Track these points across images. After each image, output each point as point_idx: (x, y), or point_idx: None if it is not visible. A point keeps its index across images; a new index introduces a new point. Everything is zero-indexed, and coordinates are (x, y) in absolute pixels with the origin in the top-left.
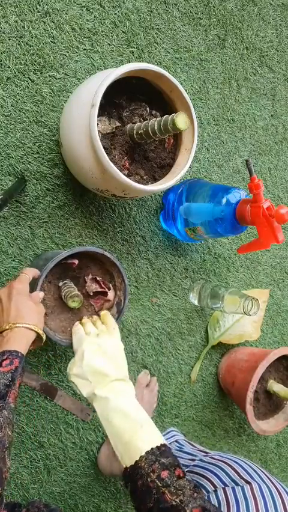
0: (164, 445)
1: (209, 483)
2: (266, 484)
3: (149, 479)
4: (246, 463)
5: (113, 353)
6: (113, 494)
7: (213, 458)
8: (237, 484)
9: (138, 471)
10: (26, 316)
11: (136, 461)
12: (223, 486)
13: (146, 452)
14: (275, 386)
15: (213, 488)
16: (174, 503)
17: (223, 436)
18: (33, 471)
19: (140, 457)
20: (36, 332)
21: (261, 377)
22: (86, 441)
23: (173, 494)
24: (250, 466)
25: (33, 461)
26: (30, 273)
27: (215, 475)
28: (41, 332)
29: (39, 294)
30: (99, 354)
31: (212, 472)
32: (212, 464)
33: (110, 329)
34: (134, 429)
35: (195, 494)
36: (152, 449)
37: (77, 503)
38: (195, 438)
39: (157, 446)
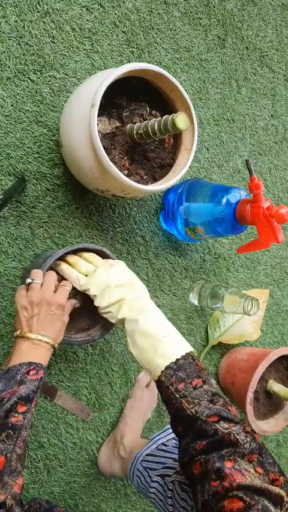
0: (183, 357)
1: None
2: None
3: (169, 391)
4: None
5: (116, 282)
6: (113, 494)
7: None
8: None
9: (162, 384)
10: (58, 335)
11: (159, 376)
12: None
13: (165, 367)
14: (275, 386)
15: None
16: (189, 412)
17: None
18: (33, 471)
19: (161, 372)
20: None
21: (261, 377)
22: (86, 441)
23: (190, 403)
24: None
25: (33, 461)
26: (69, 285)
27: None
28: (57, 348)
29: (76, 305)
30: (105, 290)
31: None
32: None
33: (106, 264)
34: (153, 346)
35: (210, 404)
36: (170, 363)
37: (77, 503)
38: None
39: (175, 360)
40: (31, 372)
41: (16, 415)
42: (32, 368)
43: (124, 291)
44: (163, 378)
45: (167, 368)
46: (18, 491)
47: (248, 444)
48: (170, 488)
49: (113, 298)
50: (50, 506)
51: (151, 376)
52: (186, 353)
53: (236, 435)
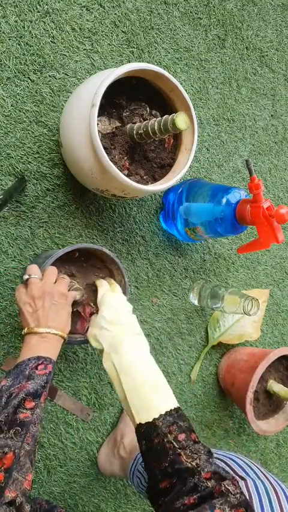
0: (180, 409)
1: None
2: (261, 480)
3: (165, 440)
4: (241, 459)
5: (129, 310)
6: (113, 494)
7: None
8: None
9: (155, 430)
10: (65, 326)
11: (154, 419)
12: None
13: (165, 412)
14: (275, 386)
15: None
16: (189, 465)
17: (223, 436)
18: (33, 471)
19: (160, 415)
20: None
21: (261, 377)
22: (86, 441)
23: (189, 457)
24: (245, 462)
25: None
26: (68, 278)
27: None
28: (66, 338)
29: (77, 296)
30: (122, 307)
31: None
32: None
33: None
34: (154, 386)
35: (210, 459)
36: (171, 410)
37: (77, 503)
38: None
39: (175, 408)
40: (39, 367)
41: (24, 411)
42: (40, 362)
43: (133, 320)
44: (159, 423)
45: (168, 414)
46: (28, 488)
47: (238, 495)
48: None
49: (121, 318)
50: (50, 507)
51: (137, 417)
52: (179, 407)
53: (226, 486)
